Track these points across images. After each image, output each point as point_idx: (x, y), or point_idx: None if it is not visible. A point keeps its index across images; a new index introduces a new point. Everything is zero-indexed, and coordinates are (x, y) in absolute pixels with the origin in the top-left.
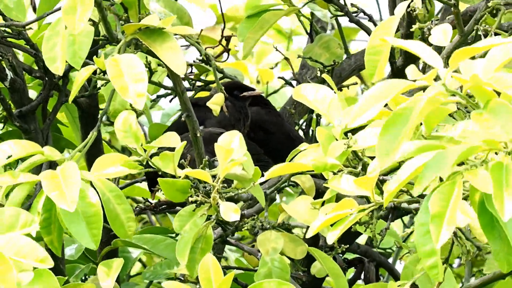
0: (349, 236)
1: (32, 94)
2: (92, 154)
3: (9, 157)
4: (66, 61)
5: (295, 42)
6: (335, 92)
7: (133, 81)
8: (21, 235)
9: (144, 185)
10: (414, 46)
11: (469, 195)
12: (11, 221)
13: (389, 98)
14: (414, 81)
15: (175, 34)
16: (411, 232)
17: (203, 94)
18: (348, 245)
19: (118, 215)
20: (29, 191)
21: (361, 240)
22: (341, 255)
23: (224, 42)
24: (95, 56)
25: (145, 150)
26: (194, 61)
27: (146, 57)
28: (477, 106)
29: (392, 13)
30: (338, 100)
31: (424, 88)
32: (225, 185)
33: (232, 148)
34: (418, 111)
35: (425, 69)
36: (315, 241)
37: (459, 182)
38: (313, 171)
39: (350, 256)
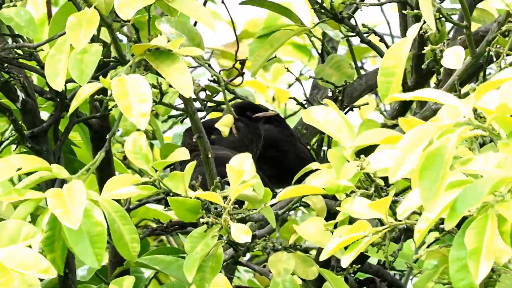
0: (360, 256)
1: (44, 115)
2: (104, 176)
3: (18, 169)
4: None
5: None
6: (346, 113)
7: (137, 101)
8: (23, 247)
9: (157, 206)
10: (427, 94)
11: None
12: (14, 234)
13: (422, 145)
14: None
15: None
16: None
17: (215, 115)
18: (359, 265)
19: (122, 235)
20: (34, 207)
21: (373, 259)
22: (352, 275)
23: (238, 66)
24: (101, 76)
25: (156, 171)
26: (205, 85)
27: (157, 78)
28: (499, 136)
29: (404, 34)
30: (347, 124)
31: None
32: (236, 206)
33: (243, 169)
34: (451, 150)
35: (438, 86)
36: (327, 260)
37: (492, 215)
38: (325, 193)
39: (361, 276)
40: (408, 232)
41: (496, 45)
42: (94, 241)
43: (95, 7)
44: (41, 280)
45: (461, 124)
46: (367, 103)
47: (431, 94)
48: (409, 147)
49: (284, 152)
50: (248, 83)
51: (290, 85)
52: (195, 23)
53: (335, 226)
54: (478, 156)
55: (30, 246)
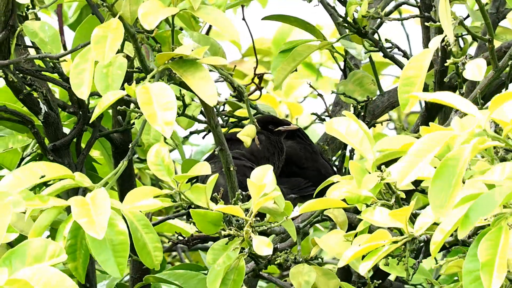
0: (381, 273)
1: (66, 131)
2: (125, 189)
3: (42, 177)
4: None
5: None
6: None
7: (162, 109)
8: (48, 266)
9: (176, 221)
10: (446, 97)
11: None
12: (39, 252)
13: (434, 152)
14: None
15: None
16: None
17: (236, 130)
18: (380, 281)
19: (145, 244)
20: (56, 215)
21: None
22: None
23: (256, 80)
24: (126, 84)
25: (177, 183)
26: (226, 98)
27: (180, 90)
28: None
29: (426, 47)
30: (368, 137)
31: None
32: (258, 218)
33: (264, 183)
34: (464, 160)
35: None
36: (348, 276)
37: (505, 227)
38: (346, 206)
39: None
40: (428, 246)
41: None
42: (116, 250)
43: (119, 17)
44: None
45: (476, 134)
46: (390, 119)
47: (450, 98)
48: (421, 153)
49: (305, 168)
50: (261, 98)
51: (305, 98)
52: None
53: (355, 237)
54: (496, 166)
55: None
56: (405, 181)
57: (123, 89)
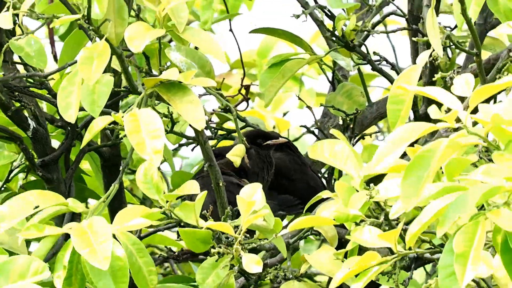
0: (372, 285)
1: (55, 143)
2: (115, 203)
3: (36, 207)
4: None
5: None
6: (357, 141)
7: (150, 138)
8: (31, 283)
9: (166, 233)
10: (433, 92)
11: (491, 238)
12: (22, 270)
13: (410, 141)
14: (436, 123)
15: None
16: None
17: (225, 143)
18: None
19: (140, 268)
20: (53, 243)
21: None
22: None
23: (243, 91)
24: (113, 112)
25: (167, 201)
26: (213, 110)
27: (168, 107)
28: (498, 147)
29: (414, 62)
30: (354, 154)
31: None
32: (248, 235)
33: (254, 200)
34: (440, 154)
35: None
36: None
37: (483, 222)
38: (336, 224)
39: None
40: (418, 261)
41: (507, 73)
42: (116, 276)
43: (106, 39)
44: None
45: (454, 128)
46: (379, 131)
47: (436, 92)
48: (397, 141)
49: (294, 180)
50: (247, 113)
51: (285, 113)
52: None
53: (346, 255)
54: (481, 166)
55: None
56: (380, 165)
57: (110, 105)
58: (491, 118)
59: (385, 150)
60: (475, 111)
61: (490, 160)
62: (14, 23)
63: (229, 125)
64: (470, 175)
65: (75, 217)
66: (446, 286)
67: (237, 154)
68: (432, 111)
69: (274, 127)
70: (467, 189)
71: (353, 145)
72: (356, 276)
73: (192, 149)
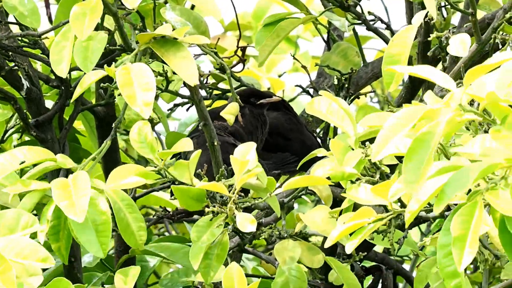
0: (367, 244)
1: (49, 104)
2: (109, 164)
3: (22, 163)
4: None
5: (302, 48)
6: (352, 100)
7: (141, 90)
8: (21, 236)
9: (161, 194)
10: (426, 72)
11: (490, 212)
12: (12, 223)
13: (410, 126)
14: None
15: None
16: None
17: (220, 102)
18: (365, 253)
19: (129, 224)
20: (39, 198)
21: (378, 248)
22: (358, 263)
23: (239, 52)
24: (105, 65)
25: (161, 160)
26: (210, 71)
27: (163, 66)
28: (494, 122)
29: (409, 21)
30: (347, 114)
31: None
32: (242, 194)
33: (247, 159)
34: (438, 135)
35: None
36: (333, 248)
37: (480, 204)
38: (330, 183)
39: (367, 264)
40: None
41: (502, 33)
42: (99, 230)
43: None
44: (45, 269)
45: (451, 108)
46: (374, 91)
47: (429, 72)
48: (396, 127)
49: (291, 140)
50: (242, 74)
51: (280, 75)
52: None
53: (340, 214)
54: (476, 137)
55: (35, 235)
56: (380, 155)
57: (104, 64)
58: (486, 96)
59: (384, 138)
60: None
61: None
62: None
63: (224, 86)
64: (466, 149)
65: None
66: (445, 265)
67: (230, 112)
68: (428, 96)
69: (269, 88)
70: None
71: (348, 104)
72: (350, 235)
73: (187, 109)
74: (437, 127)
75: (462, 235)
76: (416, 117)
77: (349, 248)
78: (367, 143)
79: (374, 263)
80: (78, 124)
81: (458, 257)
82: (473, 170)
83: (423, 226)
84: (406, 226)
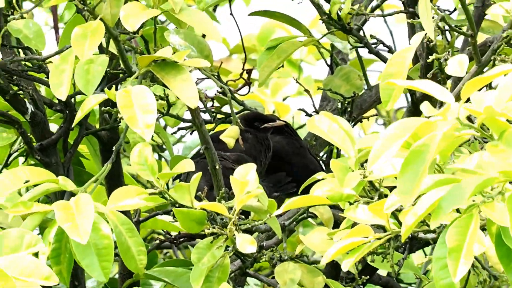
0: (370, 268)
1: (53, 127)
2: (114, 188)
3: (26, 181)
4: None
5: (305, 71)
6: (355, 124)
7: (142, 112)
8: (25, 255)
9: (166, 217)
10: (423, 85)
11: (486, 225)
12: (16, 243)
13: (406, 137)
14: (429, 117)
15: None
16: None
17: (224, 126)
18: (369, 276)
19: (129, 248)
20: (40, 220)
21: (383, 271)
22: (361, 286)
23: (245, 75)
24: (106, 88)
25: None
26: (215, 93)
27: (164, 90)
28: (491, 137)
29: None
30: (347, 134)
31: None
32: (243, 216)
33: (247, 180)
34: (434, 148)
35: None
36: (337, 271)
37: (476, 216)
38: (330, 203)
39: (371, 287)
40: (413, 240)
41: (502, 55)
42: (101, 254)
43: (101, 19)
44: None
45: (448, 123)
46: (376, 115)
47: (427, 86)
48: (392, 138)
49: (293, 164)
50: (247, 97)
51: (284, 99)
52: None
53: None
54: (474, 154)
55: (36, 255)
56: (376, 164)
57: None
58: (484, 110)
59: (379, 149)
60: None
61: (485, 140)
62: (11, 5)
63: (228, 110)
64: (464, 164)
65: None
66: (440, 277)
67: (230, 135)
68: (425, 108)
69: (274, 112)
70: (459, 180)
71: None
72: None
73: (191, 133)
74: (433, 139)
75: (458, 246)
76: (412, 129)
77: (346, 266)
78: (365, 164)
79: (378, 287)
80: (83, 148)
81: (453, 268)
82: (469, 185)
83: (428, 249)
84: (403, 240)
